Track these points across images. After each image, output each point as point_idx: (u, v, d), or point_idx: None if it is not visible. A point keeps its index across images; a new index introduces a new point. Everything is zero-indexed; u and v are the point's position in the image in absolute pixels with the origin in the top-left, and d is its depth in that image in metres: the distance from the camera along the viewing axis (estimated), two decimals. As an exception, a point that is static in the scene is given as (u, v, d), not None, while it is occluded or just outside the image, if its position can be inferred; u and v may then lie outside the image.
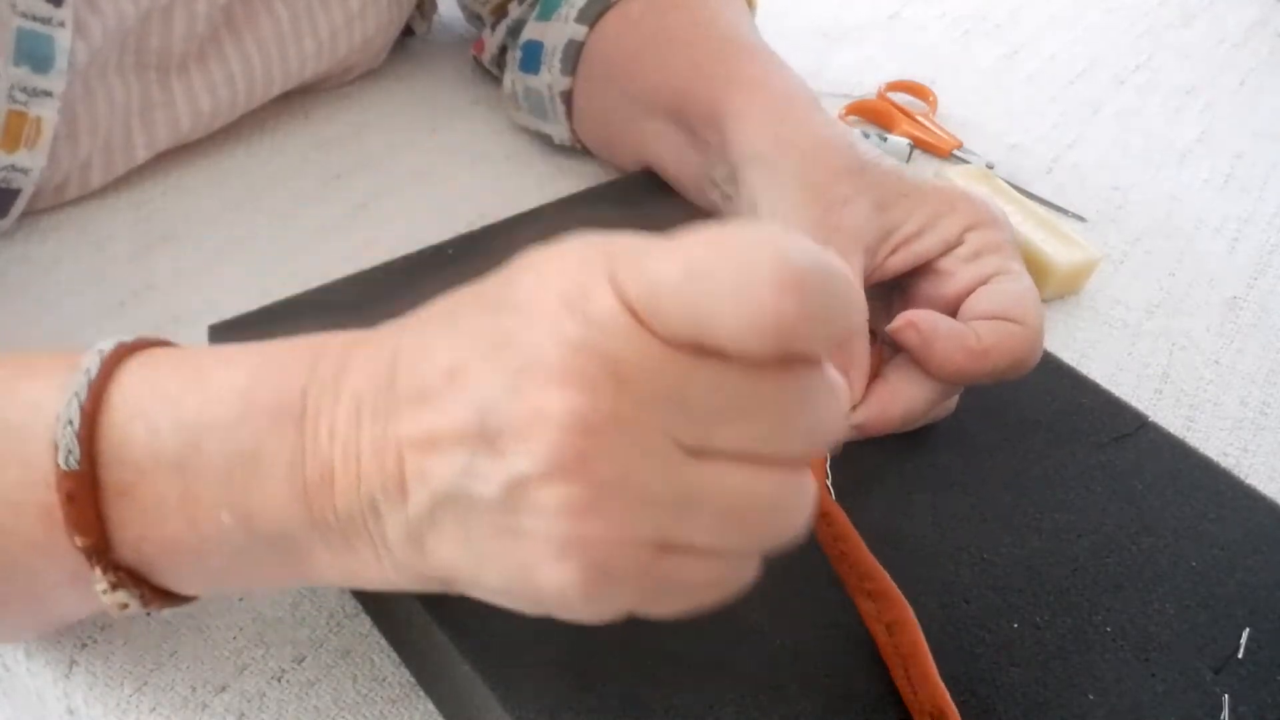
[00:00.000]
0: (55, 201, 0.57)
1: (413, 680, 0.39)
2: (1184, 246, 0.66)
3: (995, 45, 0.87)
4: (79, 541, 0.30)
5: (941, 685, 0.33)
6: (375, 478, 0.28)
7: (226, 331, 0.45)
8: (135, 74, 0.57)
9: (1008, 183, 0.66)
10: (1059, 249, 0.60)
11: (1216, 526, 0.42)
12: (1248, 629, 0.38)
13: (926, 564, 0.40)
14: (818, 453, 0.28)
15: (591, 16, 0.60)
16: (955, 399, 0.44)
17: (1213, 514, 0.43)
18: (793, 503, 0.27)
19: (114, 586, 0.31)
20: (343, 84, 0.70)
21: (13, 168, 0.52)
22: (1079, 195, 0.70)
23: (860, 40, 0.85)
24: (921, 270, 0.44)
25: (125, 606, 0.31)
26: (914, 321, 0.40)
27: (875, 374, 0.42)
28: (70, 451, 0.29)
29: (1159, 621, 0.38)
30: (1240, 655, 0.38)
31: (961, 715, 0.35)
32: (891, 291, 0.46)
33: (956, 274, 0.43)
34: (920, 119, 0.74)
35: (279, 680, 0.39)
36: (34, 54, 0.50)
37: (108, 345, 0.31)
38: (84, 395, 0.30)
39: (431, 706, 0.38)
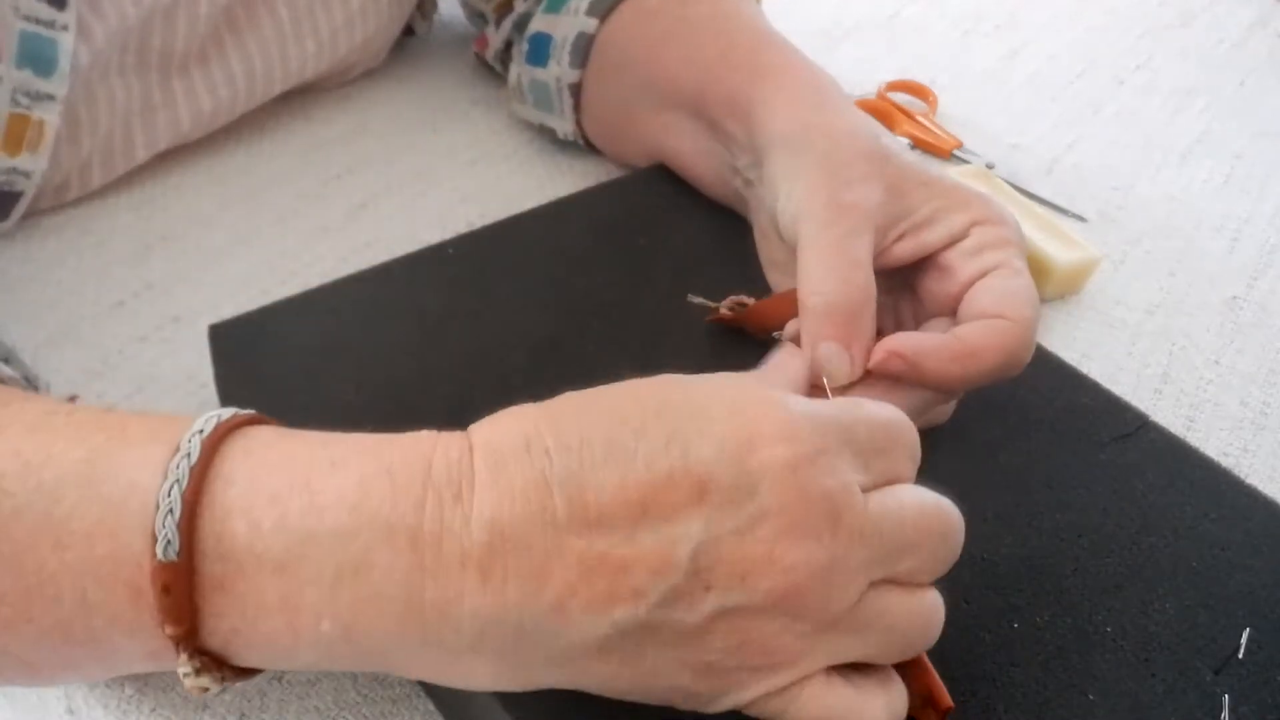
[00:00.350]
0: (56, 202, 0.57)
1: (413, 681, 0.39)
2: (1184, 246, 0.66)
3: (995, 45, 0.87)
4: (169, 630, 0.29)
5: (931, 669, 0.33)
6: (529, 606, 0.28)
7: (226, 331, 0.45)
8: (136, 74, 0.57)
9: (1008, 183, 0.66)
10: (1059, 249, 0.60)
11: (1216, 526, 0.42)
12: (1248, 629, 0.38)
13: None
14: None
15: (603, 9, 0.60)
16: (951, 405, 0.44)
17: (1213, 514, 0.43)
18: (937, 617, 0.32)
19: (198, 672, 0.30)
20: (343, 83, 0.70)
21: (14, 170, 0.52)
22: (1079, 195, 0.69)
23: (860, 40, 0.85)
24: (926, 265, 0.44)
25: (205, 690, 0.31)
26: (895, 350, 0.40)
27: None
28: (170, 543, 0.29)
29: (1159, 621, 0.38)
30: (1240, 655, 0.38)
31: (962, 715, 0.35)
32: (898, 287, 0.46)
33: (958, 269, 0.43)
34: (920, 119, 0.74)
35: (280, 680, 0.39)
36: (37, 57, 0.50)
37: (207, 425, 0.31)
38: (185, 483, 0.29)
39: (432, 707, 0.38)
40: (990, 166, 0.70)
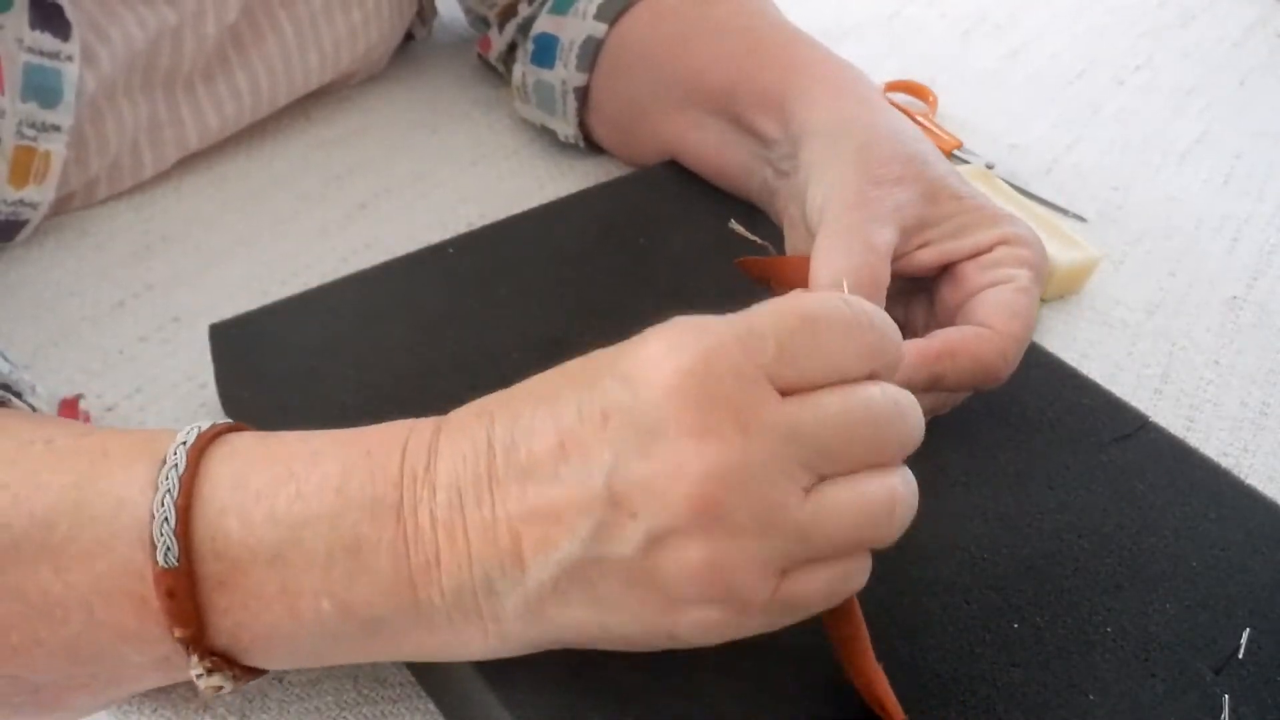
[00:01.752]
0: (58, 211, 0.57)
1: (413, 681, 0.39)
2: (1184, 246, 0.66)
3: (995, 45, 0.87)
4: (178, 633, 0.30)
5: (884, 682, 0.33)
6: (489, 557, 0.30)
7: (226, 331, 0.45)
8: (143, 94, 0.57)
9: (1008, 183, 0.66)
10: (1059, 249, 0.60)
11: (1216, 526, 0.42)
12: (1248, 629, 0.38)
13: (927, 564, 0.40)
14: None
15: (612, 14, 0.60)
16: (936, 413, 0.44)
17: (1213, 514, 0.43)
18: (902, 496, 0.30)
19: (209, 671, 0.31)
20: (343, 89, 0.70)
21: (21, 202, 0.52)
22: (1079, 195, 0.69)
23: (860, 40, 0.85)
24: (944, 275, 0.45)
25: (219, 689, 0.32)
26: None
27: None
28: (169, 549, 0.30)
29: (1159, 621, 0.38)
30: (1240, 655, 0.38)
31: (962, 715, 0.35)
32: (915, 293, 0.46)
33: (971, 280, 0.43)
34: (920, 119, 0.74)
35: (280, 680, 0.39)
36: (41, 89, 0.50)
37: (189, 436, 0.32)
38: (176, 491, 0.30)
39: (432, 707, 0.38)
40: (990, 166, 0.70)
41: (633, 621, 0.30)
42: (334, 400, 0.43)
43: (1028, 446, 0.45)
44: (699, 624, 0.30)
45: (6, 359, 0.40)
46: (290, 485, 0.31)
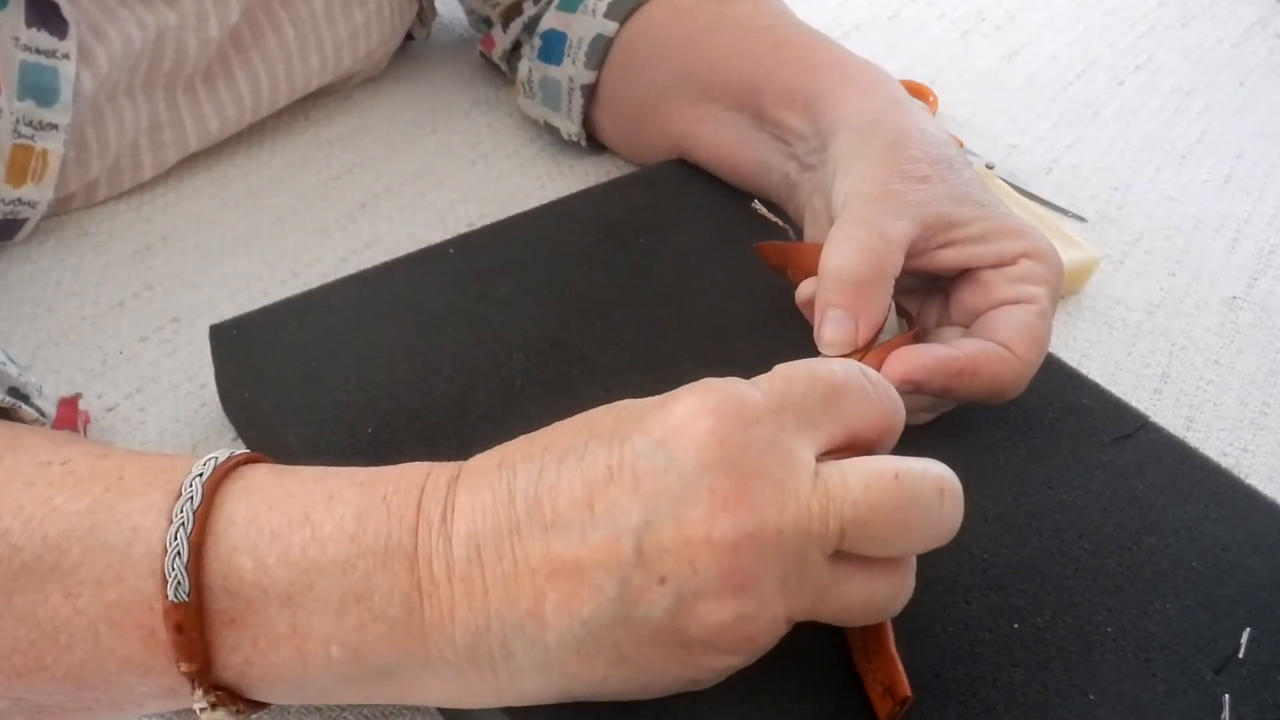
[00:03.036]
0: (58, 211, 0.57)
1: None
2: (1184, 246, 0.66)
3: (995, 45, 0.87)
4: (184, 667, 0.30)
5: (896, 659, 0.34)
6: (508, 613, 0.29)
7: (226, 331, 0.45)
8: (144, 94, 0.57)
9: (1008, 183, 0.66)
10: (1059, 249, 0.59)
11: (1216, 526, 0.42)
12: (1248, 629, 0.38)
13: (927, 564, 0.39)
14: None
15: (623, 13, 0.60)
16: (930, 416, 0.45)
17: (1213, 514, 0.43)
18: (900, 595, 0.32)
19: (214, 705, 0.31)
20: (343, 89, 0.70)
21: (19, 201, 0.52)
22: (1079, 195, 0.69)
23: (860, 40, 0.85)
24: (965, 277, 0.45)
25: None
26: (907, 378, 0.40)
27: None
28: (180, 584, 0.30)
29: (1159, 621, 0.38)
30: (1240, 655, 0.38)
31: (962, 716, 0.35)
32: (932, 289, 0.47)
33: (995, 290, 0.43)
34: (920, 119, 0.74)
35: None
36: (38, 87, 0.50)
37: (205, 468, 0.32)
38: (190, 526, 0.30)
39: (433, 707, 0.38)
40: (990, 166, 0.70)
41: (654, 675, 0.30)
42: (334, 400, 0.43)
43: (1028, 446, 0.45)
44: (718, 670, 0.31)
45: (13, 361, 0.40)
46: (305, 529, 0.30)
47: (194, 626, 0.30)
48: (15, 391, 0.38)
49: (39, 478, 0.32)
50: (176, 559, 0.30)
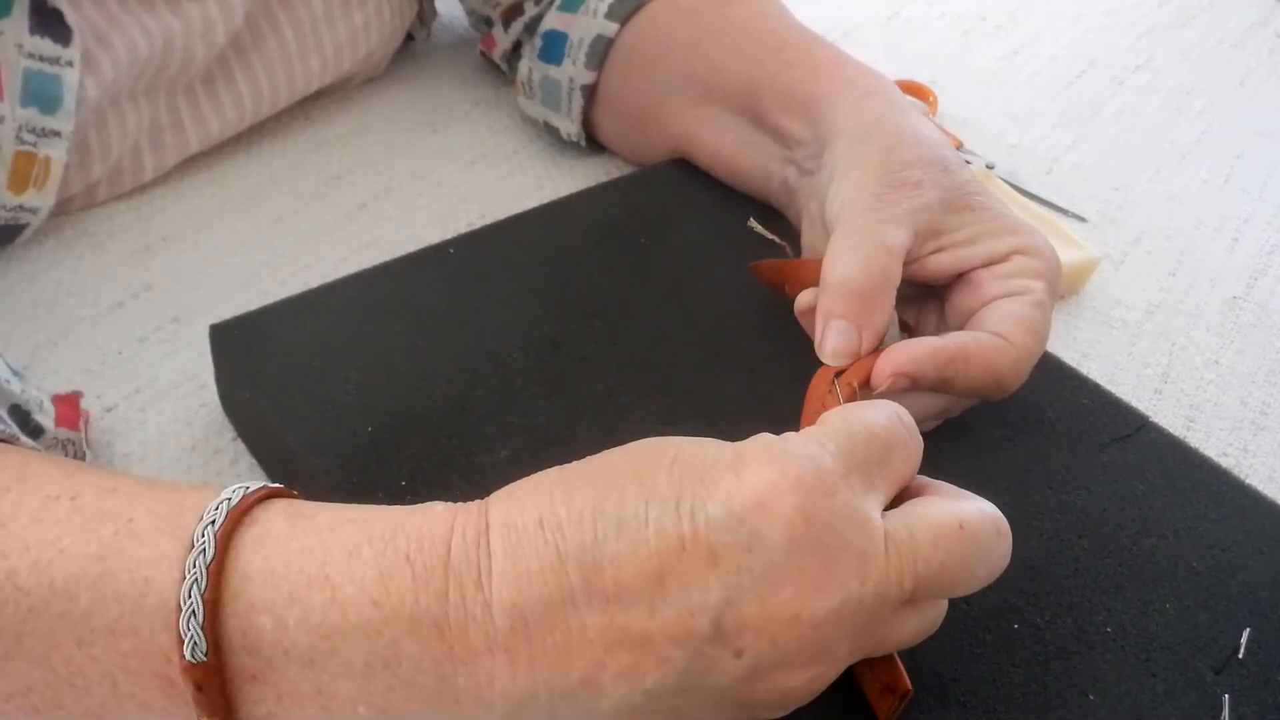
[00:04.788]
0: (59, 213, 0.57)
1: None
2: (1184, 246, 0.66)
3: (995, 45, 0.87)
4: None
5: (896, 658, 0.34)
6: (557, 683, 0.28)
7: (226, 331, 0.45)
8: (146, 98, 0.57)
9: (1008, 183, 0.66)
10: (1059, 249, 0.59)
11: (1216, 526, 0.42)
12: (1248, 629, 0.38)
13: (927, 564, 0.39)
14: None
15: (624, 14, 0.60)
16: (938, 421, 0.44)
17: (1213, 514, 0.43)
18: (940, 620, 0.33)
19: None
20: (343, 89, 0.70)
21: (21, 208, 0.52)
22: (1079, 195, 0.69)
23: (860, 40, 0.85)
24: (957, 280, 0.45)
25: None
26: (899, 371, 0.40)
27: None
28: (196, 644, 0.28)
29: (1159, 621, 0.38)
30: (1240, 655, 0.38)
31: (962, 716, 0.35)
32: (927, 297, 0.47)
33: (986, 287, 0.43)
34: (920, 119, 0.74)
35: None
36: (41, 94, 0.50)
37: (218, 515, 0.30)
38: (204, 583, 0.29)
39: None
40: (990, 167, 0.70)
41: None
42: (334, 400, 0.43)
43: (1028, 446, 0.45)
44: (770, 714, 0.31)
45: (18, 374, 0.40)
46: (324, 590, 0.29)
47: (214, 685, 0.29)
48: (16, 410, 0.38)
49: (46, 514, 0.30)
50: (191, 619, 0.28)
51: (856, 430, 0.31)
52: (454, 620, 0.28)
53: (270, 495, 0.32)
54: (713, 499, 0.28)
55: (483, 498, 0.31)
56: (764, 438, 0.31)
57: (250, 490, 0.31)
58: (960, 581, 0.31)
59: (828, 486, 0.29)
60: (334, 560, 0.29)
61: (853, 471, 0.30)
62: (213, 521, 0.30)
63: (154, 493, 0.31)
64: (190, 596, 0.29)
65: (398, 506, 0.31)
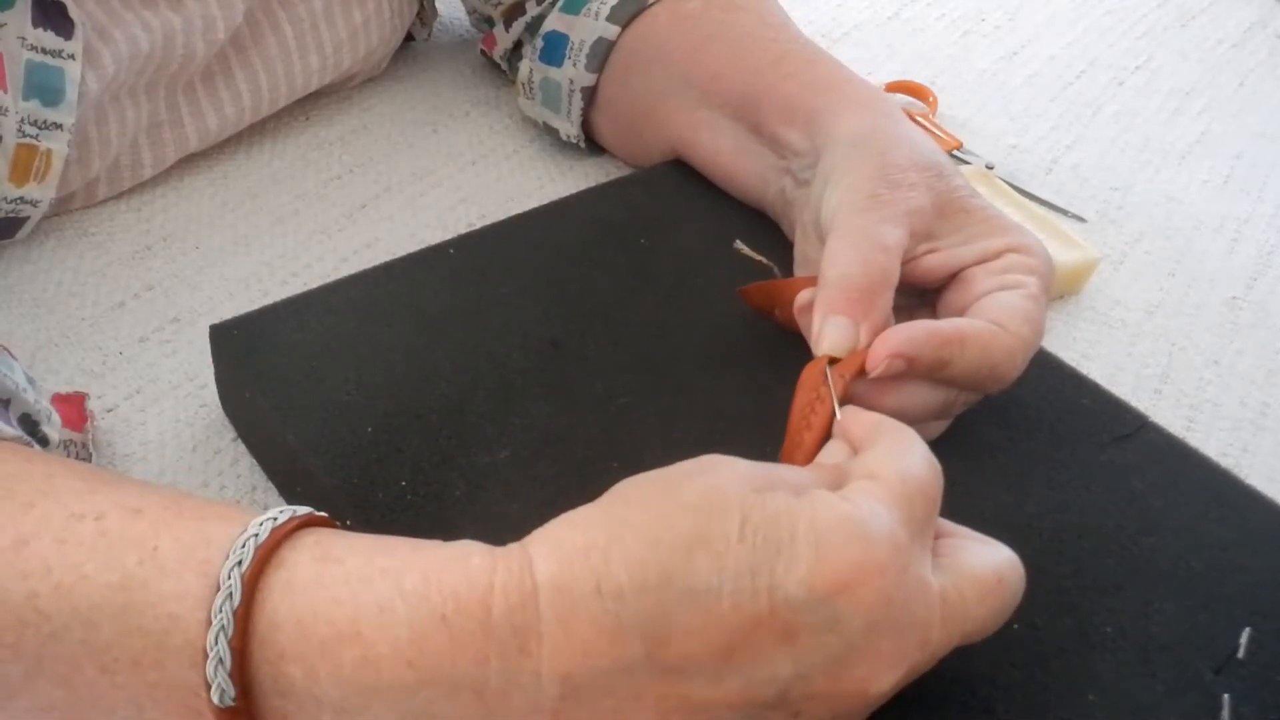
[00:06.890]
0: (58, 211, 0.57)
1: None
2: (1184, 247, 0.66)
3: (995, 46, 0.87)
4: None
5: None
6: None
7: (226, 331, 0.45)
8: (146, 94, 0.57)
9: (1008, 183, 0.66)
10: (1059, 249, 0.59)
11: (1216, 526, 0.42)
12: (1248, 629, 0.38)
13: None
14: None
15: (625, 17, 0.60)
16: (945, 422, 0.44)
17: (1213, 514, 0.43)
18: None
19: None
20: (343, 89, 0.70)
21: (22, 200, 0.52)
22: (1079, 195, 0.69)
23: (860, 41, 0.85)
24: (952, 281, 0.45)
25: None
26: (894, 352, 0.39)
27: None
28: (224, 691, 0.28)
29: (1159, 621, 0.38)
30: (1240, 655, 0.38)
31: (962, 715, 0.35)
32: (919, 304, 0.47)
33: (978, 283, 0.43)
34: (920, 119, 0.74)
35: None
36: (44, 87, 0.50)
37: (245, 554, 0.29)
38: (230, 630, 0.28)
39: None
40: (990, 167, 0.70)
41: None
42: (334, 400, 0.43)
43: (1028, 446, 0.45)
44: None
45: (33, 382, 0.40)
46: (356, 646, 0.28)
47: None
48: (26, 419, 0.38)
49: (70, 535, 0.30)
50: (219, 666, 0.28)
51: (914, 491, 0.31)
52: (494, 686, 0.28)
53: (299, 526, 0.31)
54: (793, 578, 0.28)
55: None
56: (831, 502, 0.30)
57: (278, 523, 0.30)
58: (992, 630, 0.33)
59: (902, 564, 0.29)
60: (365, 616, 0.29)
61: (915, 539, 0.31)
62: (239, 562, 0.29)
63: (179, 518, 0.31)
64: (217, 644, 0.28)
65: (430, 548, 0.30)
